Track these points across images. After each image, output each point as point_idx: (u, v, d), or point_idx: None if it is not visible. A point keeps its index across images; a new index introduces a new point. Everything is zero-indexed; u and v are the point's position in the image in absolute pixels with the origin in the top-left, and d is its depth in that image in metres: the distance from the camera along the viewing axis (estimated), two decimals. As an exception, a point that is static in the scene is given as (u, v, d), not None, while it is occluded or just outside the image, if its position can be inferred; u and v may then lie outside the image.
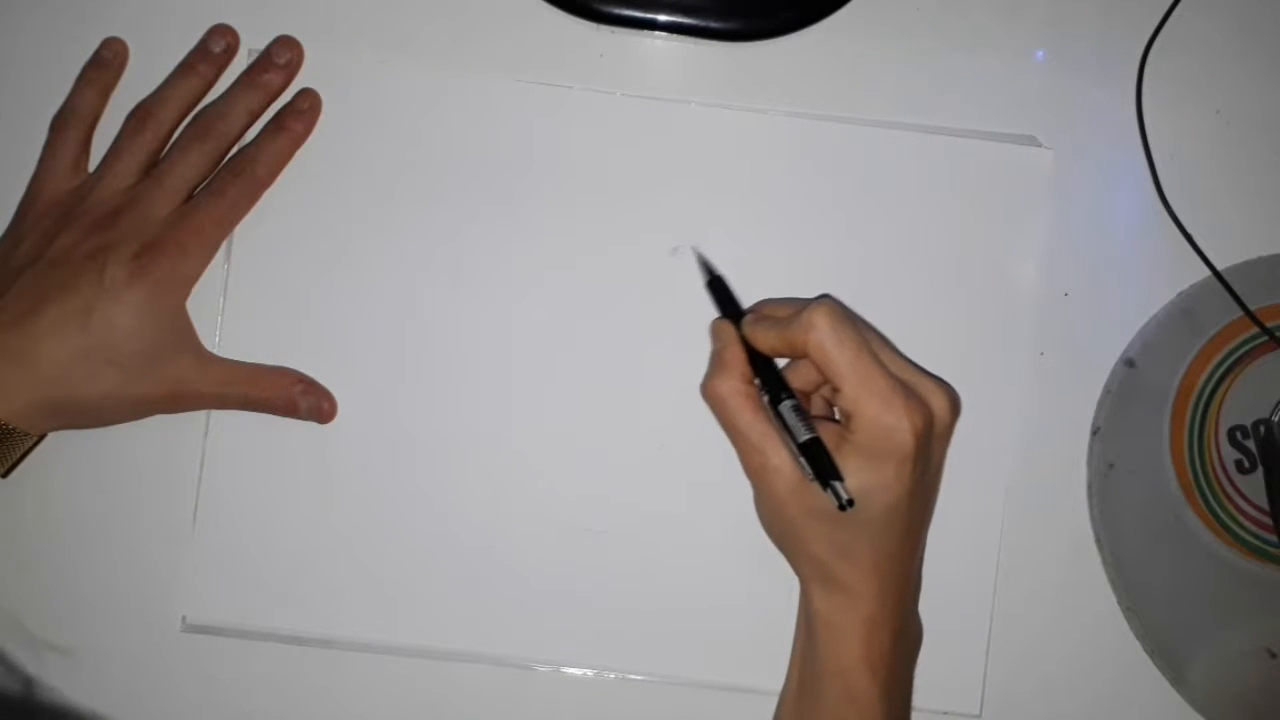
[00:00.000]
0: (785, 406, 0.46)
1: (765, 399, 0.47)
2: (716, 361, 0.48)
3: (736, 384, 0.47)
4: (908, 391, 0.45)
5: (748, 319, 0.48)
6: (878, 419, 0.44)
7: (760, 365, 0.48)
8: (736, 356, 0.48)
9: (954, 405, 0.47)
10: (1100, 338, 0.54)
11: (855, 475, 0.45)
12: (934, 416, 0.46)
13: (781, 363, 0.49)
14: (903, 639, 0.48)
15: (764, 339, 0.47)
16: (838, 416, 0.48)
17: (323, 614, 0.52)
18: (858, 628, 0.47)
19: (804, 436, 0.45)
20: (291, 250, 0.53)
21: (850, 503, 0.44)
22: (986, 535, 0.53)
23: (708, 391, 0.48)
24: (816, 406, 0.50)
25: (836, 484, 0.45)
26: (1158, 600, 0.53)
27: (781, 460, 0.46)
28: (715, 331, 0.49)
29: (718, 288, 0.51)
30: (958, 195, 0.53)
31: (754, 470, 0.47)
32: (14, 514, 0.52)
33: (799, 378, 0.49)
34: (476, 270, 0.53)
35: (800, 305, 0.46)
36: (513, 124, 0.53)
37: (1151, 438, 0.53)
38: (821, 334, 0.45)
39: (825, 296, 0.47)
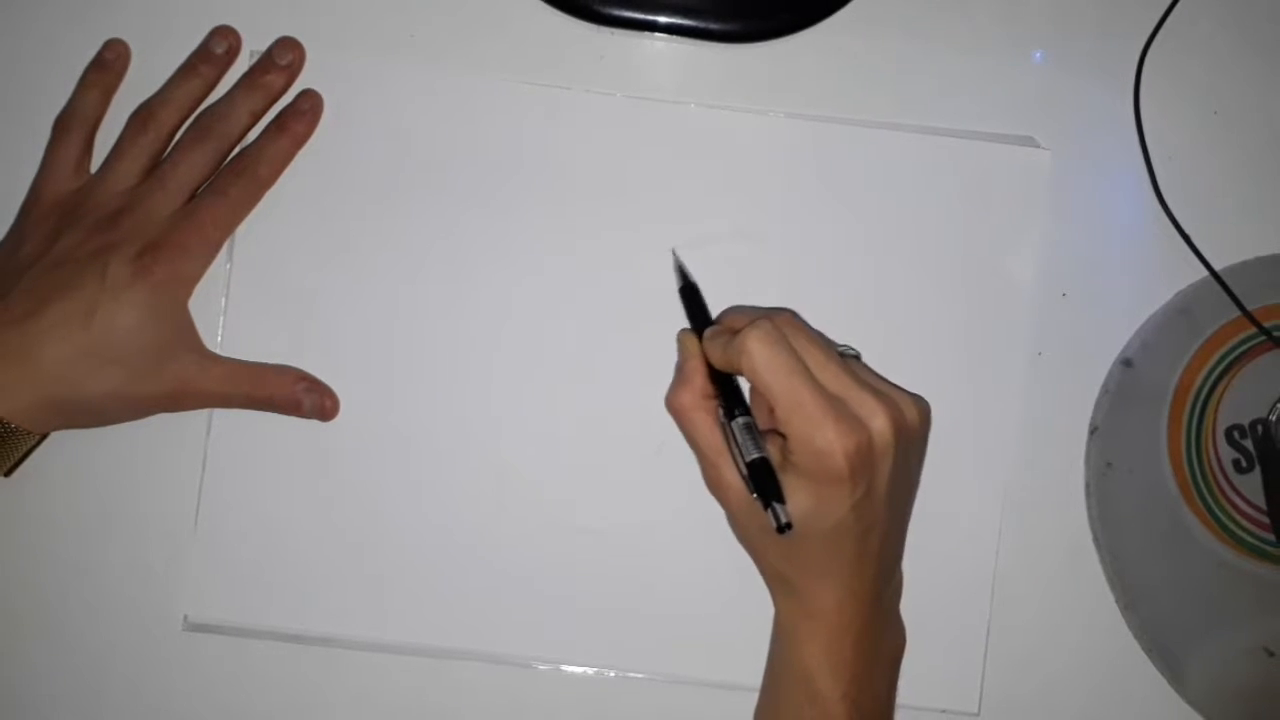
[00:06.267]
0: (737, 424, 0.46)
1: (721, 414, 0.47)
2: (678, 373, 0.49)
3: (694, 398, 0.47)
4: (840, 412, 0.44)
5: (707, 332, 0.48)
6: (809, 441, 0.44)
7: (719, 379, 0.47)
8: (696, 370, 0.48)
9: (898, 424, 0.45)
10: (1098, 338, 0.54)
11: (797, 496, 0.44)
12: (871, 436, 0.44)
13: None
14: (869, 643, 0.48)
15: (713, 356, 0.47)
16: None
17: (323, 613, 0.52)
18: (817, 633, 0.47)
19: (751, 456, 0.45)
20: (293, 250, 0.53)
21: (788, 526, 0.44)
22: (985, 534, 0.53)
23: (668, 404, 0.48)
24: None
25: (776, 506, 0.44)
26: (1156, 599, 0.53)
27: (734, 476, 0.46)
28: (679, 342, 0.50)
29: (689, 296, 0.50)
30: (956, 196, 0.53)
31: (711, 484, 0.47)
32: (14, 514, 0.52)
33: None
34: (477, 270, 0.53)
35: (755, 317, 0.46)
36: (513, 125, 0.53)
37: (1149, 437, 0.53)
38: (753, 358, 0.44)
39: (782, 310, 0.46)
